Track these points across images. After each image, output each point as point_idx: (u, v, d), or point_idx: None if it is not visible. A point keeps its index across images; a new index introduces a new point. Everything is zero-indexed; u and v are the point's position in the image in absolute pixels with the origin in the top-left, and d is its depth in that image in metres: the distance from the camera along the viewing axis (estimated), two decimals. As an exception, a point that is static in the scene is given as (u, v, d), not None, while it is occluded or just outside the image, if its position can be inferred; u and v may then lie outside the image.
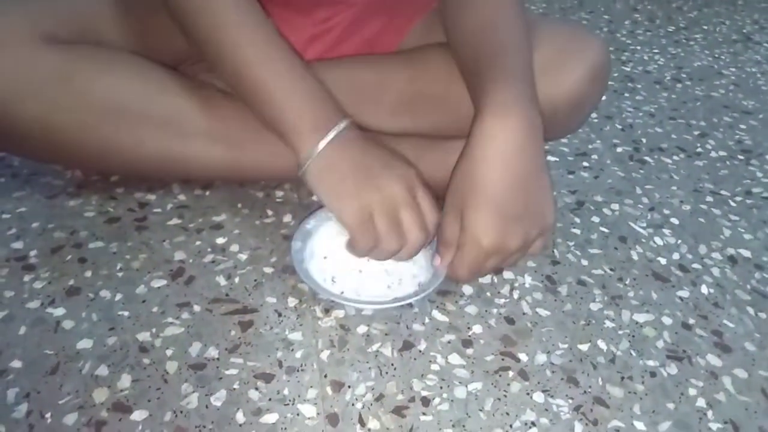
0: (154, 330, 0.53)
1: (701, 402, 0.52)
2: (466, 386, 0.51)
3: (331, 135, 0.54)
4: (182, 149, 0.62)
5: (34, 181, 0.69)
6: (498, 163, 0.51)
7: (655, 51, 1.23)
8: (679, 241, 0.70)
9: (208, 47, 0.57)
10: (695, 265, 0.67)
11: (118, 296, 0.56)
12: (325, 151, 0.54)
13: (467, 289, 0.60)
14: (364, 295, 0.56)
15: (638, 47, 1.24)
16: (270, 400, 0.48)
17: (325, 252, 0.58)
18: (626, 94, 1.04)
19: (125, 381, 0.49)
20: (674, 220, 0.74)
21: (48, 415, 0.46)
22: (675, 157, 0.87)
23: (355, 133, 0.57)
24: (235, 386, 0.49)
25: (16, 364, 0.49)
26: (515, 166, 0.51)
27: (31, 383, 0.48)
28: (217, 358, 0.51)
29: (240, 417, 0.47)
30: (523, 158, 0.51)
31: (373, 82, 0.68)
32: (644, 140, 0.90)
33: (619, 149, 0.88)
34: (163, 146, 0.62)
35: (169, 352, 0.51)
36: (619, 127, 0.94)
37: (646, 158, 0.86)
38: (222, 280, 0.59)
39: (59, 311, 0.54)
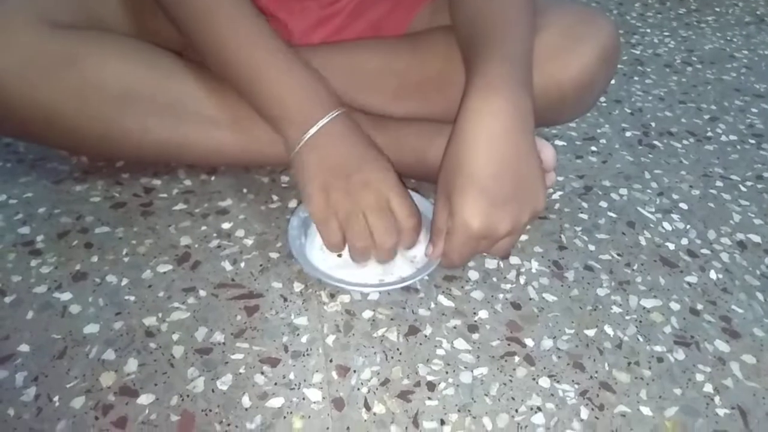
0: (160, 315, 0.53)
1: (708, 387, 0.52)
2: (472, 371, 0.51)
3: (320, 124, 0.55)
4: (188, 134, 0.62)
5: (40, 166, 0.70)
6: (482, 146, 0.50)
7: (666, 34, 1.21)
8: (688, 227, 0.69)
9: (197, 36, 0.57)
10: (704, 251, 0.66)
11: (125, 281, 0.56)
12: (310, 141, 0.55)
13: (473, 274, 0.60)
14: (358, 276, 0.56)
15: (648, 30, 1.22)
16: (276, 384, 0.48)
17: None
18: (636, 78, 1.02)
19: (132, 365, 0.49)
20: (683, 205, 0.73)
21: (56, 398, 0.46)
22: (685, 142, 0.86)
23: (343, 125, 0.56)
24: (241, 370, 0.49)
25: (24, 348, 0.50)
26: (500, 149, 0.50)
27: (38, 367, 0.48)
28: (223, 343, 0.51)
29: (246, 401, 0.47)
30: (509, 140, 0.50)
31: (377, 66, 0.68)
32: (653, 124, 0.89)
33: (628, 133, 0.86)
34: (168, 132, 0.61)
35: (175, 337, 0.51)
36: (628, 111, 0.92)
37: (656, 142, 0.85)
38: (228, 265, 0.59)
39: (66, 296, 0.54)
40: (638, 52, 1.12)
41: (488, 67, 0.52)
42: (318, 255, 0.57)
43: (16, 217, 0.62)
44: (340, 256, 0.58)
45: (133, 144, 0.62)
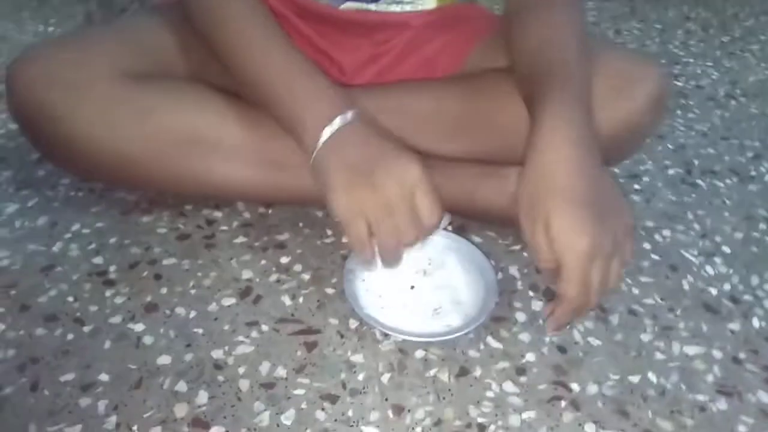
0: (226, 348, 0.57)
1: (751, 439, 0.53)
2: (520, 414, 0.53)
3: (335, 126, 0.56)
4: (249, 175, 0.66)
5: (109, 196, 0.74)
6: (569, 164, 0.51)
7: (709, 64, 1.21)
8: (731, 271, 0.71)
9: (228, 59, 0.61)
10: (747, 297, 0.67)
11: (192, 313, 0.60)
12: (327, 143, 0.55)
13: (520, 316, 0.62)
14: (406, 320, 0.58)
15: (691, 59, 1.23)
16: (336, 420, 0.52)
17: (374, 275, 0.61)
18: (678, 112, 1.03)
19: (203, 397, 0.52)
20: (726, 249, 0.74)
21: (135, 427, 0.50)
22: (728, 181, 0.87)
23: (361, 124, 0.57)
24: (303, 406, 0.52)
25: (104, 377, 0.54)
26: (585, 167, 0.51)
27: (118, 396, 0.52)
28: (286, 378, 0.55)
29: (308, 437, 0.50)
30: (589, 161, 0.52)
31: (429, 108, 0.70)
32: (696, 162, 0.90)
33: (670, 171, 0.88)
34: (230, 173, 0.65)
35: (241, 370, 0.55)
36: (671, 147, 0.94)
37: (698, 181, 0.86)
38: (287, 300, 0.62)
39: (139, 327, 0.58)
40: (681, 84, 1.13)
41: (556, 108, 0.53)
42: (374, 302, 0.60)
43: (89, 247, 0.67)
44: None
45: (197, 184, 0.66)
